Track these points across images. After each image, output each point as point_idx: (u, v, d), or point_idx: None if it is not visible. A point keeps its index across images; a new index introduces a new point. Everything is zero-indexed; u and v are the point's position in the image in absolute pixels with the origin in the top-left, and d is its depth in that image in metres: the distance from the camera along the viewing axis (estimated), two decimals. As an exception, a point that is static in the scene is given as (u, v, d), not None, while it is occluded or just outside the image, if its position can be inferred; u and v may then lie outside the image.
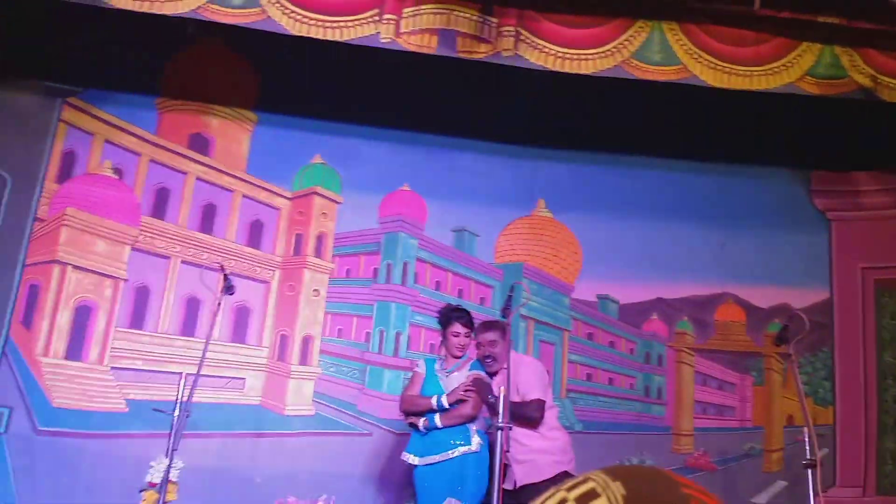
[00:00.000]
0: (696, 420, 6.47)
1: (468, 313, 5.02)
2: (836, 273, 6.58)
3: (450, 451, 4.75)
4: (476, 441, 4.80)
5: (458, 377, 4.87)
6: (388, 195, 6.68)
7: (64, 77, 6.32)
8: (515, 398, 4.65)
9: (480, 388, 4.75)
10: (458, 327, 4.92)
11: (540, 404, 4.78)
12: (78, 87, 6.36)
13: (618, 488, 0.64)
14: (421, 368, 5.03)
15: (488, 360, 4.94)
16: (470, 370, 4.90)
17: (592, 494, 0.65)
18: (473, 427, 4.83)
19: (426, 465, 4.77)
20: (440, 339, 5.10)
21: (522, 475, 4.78)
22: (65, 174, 6.25)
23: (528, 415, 4.72)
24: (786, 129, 6.39)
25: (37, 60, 6.22)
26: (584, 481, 0.67)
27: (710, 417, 6.51)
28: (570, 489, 0.67)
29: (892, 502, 6.01)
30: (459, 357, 4.95)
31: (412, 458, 4.82)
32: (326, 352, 6.31)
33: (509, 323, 4.82)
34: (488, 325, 5.04)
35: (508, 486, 4.53)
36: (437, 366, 5.00)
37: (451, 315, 5.00)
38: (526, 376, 4.83)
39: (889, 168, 6.62)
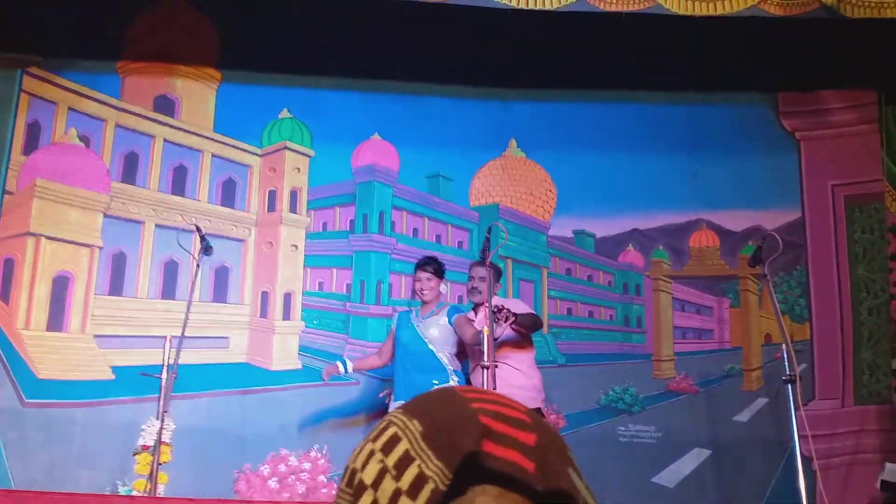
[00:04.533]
0: (676, 345, 6.56)
1: (433, 260, 5.26)
2: (807, 192, 6.63)
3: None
4: (455, 381, 4.96)
5: (432, 324, 5.07)
6: (360, 146, 6.65)
7: (22, 46, 6.22)
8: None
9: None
10: (417, 273, 5.20)
11: (535, 315, 5.08)
12: (37, 56, 6.26)
13: (415, 427, 0.69)
14: (394, 324, 5.32)
15: (474, 291, 5.22)
16: (448, 315, 5.08)
17: (395, 440, 0.69)
18: (451, 367, 4.97)
19: None
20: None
21: None
22: (31, 145, 6.19)
23: (532, 321, 4.97)
24: (752, 53, 6.39)
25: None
26: (387, 426, 0.72)
27: (690, 342, 6.62)
28: (374, 439, 0.72)
29: (870, 411, 6.15)
30: (427, 301, 5.15)
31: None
32: (309, 305, 6.33)
33: (489, 264, 4.89)
34: (481, 263, 5.23)
35: None
36: (412, 315, 5.20)
37: (416, 263, 5.29)
38: (514, 303, 5.11)
39: (855, 85, 6.65)
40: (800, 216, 6.60)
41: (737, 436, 6.17)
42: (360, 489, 0.68)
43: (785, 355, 4.56)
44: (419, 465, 0.66)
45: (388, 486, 0.66)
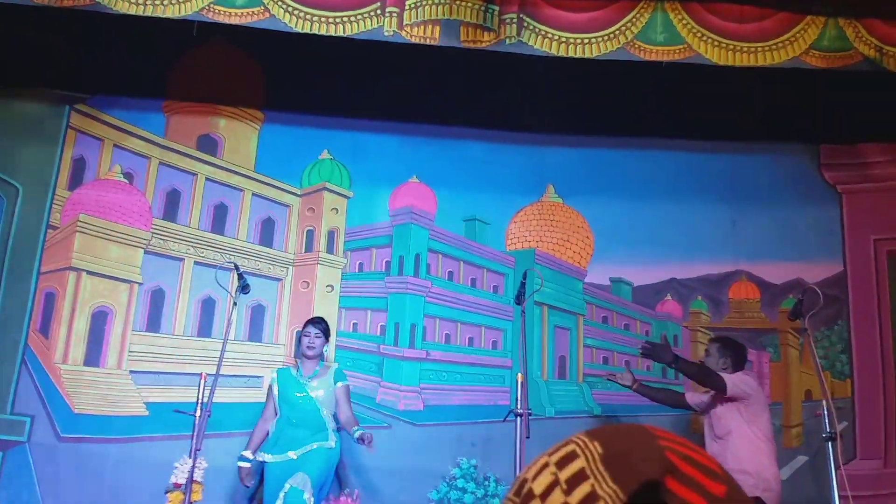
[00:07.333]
0: (715, 398, 6.46)
1: (323, 320, 5.49)
2: (849, 246, 6.55)
3: (306, 447, 5.06)
4: (334, 440, 5.15)
5: (319, 384, 5.26)
6: (398, 188, 6.69)
7: (70, 84, 6.37)
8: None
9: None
10: (307, 328, 5.36)
11: (703, 368, 4.95)
12: (85, 93, 6.40)
13: (595, 448, 0.68)
14: (274, 382, 5.36)
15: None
16: (334, 378, 5.30)
17: (572, 456, 0.68)
18: (331, 426, 5.17)
19: (281, 461, 5.04)
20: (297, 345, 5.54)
21: None
22: (76, 180, 6.30)
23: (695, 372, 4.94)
24: (793, 104, 6.37)
25: (43, 68, 6.26)
26: (566, 444, 0.71)
27: (729, 395, 6.50)
28: (551, 454, 0.70)
29: (915, 473, 6.02)
30: (310, 357, 5.32)
31: (266, 457, 5.09)
32: (342, 346, 6.33)
33: (524, 310, 4.86)
34: (712, 340, 5.42)
35: None
36: (294, 373, 5.34)
37: (308, 320, 5.47)
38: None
39: (897, 138, 6.60)
40: (842, 270, 6.52)
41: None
42: (528, 498, 0.68)
43: (825, 412, 4.48)
44: (592, 484, 0.65)
45: (557, 498, 0.66)
